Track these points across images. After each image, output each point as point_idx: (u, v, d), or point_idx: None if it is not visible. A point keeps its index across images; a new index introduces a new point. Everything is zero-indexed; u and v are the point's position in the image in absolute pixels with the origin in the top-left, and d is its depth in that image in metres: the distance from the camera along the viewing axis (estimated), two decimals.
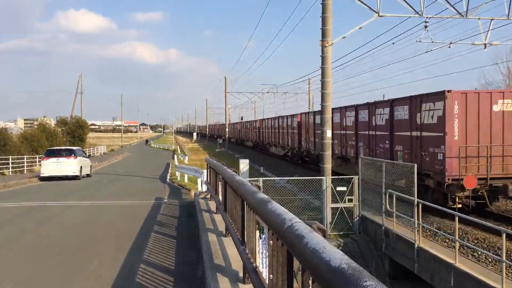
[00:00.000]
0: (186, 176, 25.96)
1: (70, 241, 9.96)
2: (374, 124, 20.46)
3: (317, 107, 60.13)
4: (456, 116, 15.01)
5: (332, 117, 23.62)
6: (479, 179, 14.76)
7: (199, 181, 21.65)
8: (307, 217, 15.96)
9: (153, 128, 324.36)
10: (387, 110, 19.22)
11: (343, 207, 15.94)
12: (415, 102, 16.79)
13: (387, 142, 19.14)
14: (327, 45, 16.74)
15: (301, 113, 35.58)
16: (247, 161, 21.52)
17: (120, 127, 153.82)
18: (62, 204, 16.27)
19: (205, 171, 17.75)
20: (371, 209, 15.49)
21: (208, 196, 14.05)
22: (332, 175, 16.83)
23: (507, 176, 15.13)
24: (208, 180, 14.10)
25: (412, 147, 16.88)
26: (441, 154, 15.11)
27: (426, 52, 19.34)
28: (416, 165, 12.75)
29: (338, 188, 16.09)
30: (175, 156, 44.22)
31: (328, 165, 16.99)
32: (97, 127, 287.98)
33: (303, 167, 32.33)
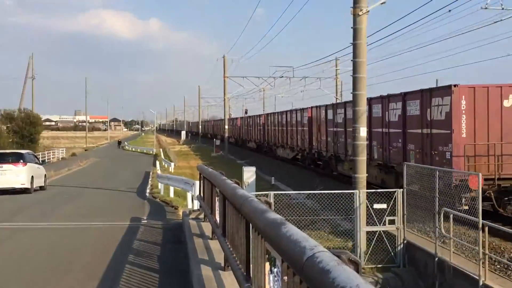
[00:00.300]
0: (171, 189, 26.13)
1: (14, 280, 9.94)
2: (387, 120, 23.49)
3: (347, 97, 60.68)
4: (463, 112, 18.04)
5: (334, 113, 32.24)
6: (487, 179, 17.28)
7: (189, 195, 21.75)
8: (333, 244, 15.96)
9: (128, 125, 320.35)
10: (399, 104, 22.27)
11: (382, 231, 15.92)
12: (425, 96, 19.49)
13: (400, 140, 22.27)
14: (360, 13, 16.76)
15: (311, 107, 37.95)
16: (253, 169, 21.76)
17: (84, 124, 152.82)
18: (6, 227, 16.38)
19: (197, 182, 17.61)
20: (420, 233, 15.45)
21: (201, 216, 14.11)
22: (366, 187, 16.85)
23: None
24: (202, 194, 14.11)
25: (423, 146, 19.95)
26: (449, 153, 18.09)
27: (495, 22, 19.34)
28: (480, 174, 12.87)
29: (376, 206, 16.09)
30: (157, 163, 44.44)
31: (362, 175, 17.00)
32: (53, 123, 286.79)
33: (318, 173, 35.56)
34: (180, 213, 18.59)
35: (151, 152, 73.97)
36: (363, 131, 17.22)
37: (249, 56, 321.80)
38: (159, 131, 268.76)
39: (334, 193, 16.24)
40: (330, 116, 33.15)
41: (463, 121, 18.26)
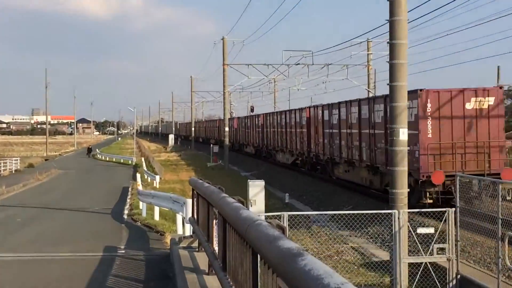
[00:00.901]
0: (156, 209, 26.07)
1: None
2: (373, 121, 29.81)
3: (382, 89, 60.11)
4: (429, 114, 24.81)
5: (323, 114, 38.55)
6: (449, 175, 23.56)
7: (179, 218, 21.60)
8: (366, 280, 15.93)
9: (100, 127, 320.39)
10: (382, 106, 28.41)
11: (429, 262, 15.86)
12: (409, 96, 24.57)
13: (382, 141, 28.13)
14: None
15: (309, 107, 44.15)
16: (261, 183, 21.45)
17: (44, 126, 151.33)
18: None
19: (189, 201, 17.58)
20: (478, 265, 15.39)
21: (195, 244, 14.10)
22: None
23: (481, 173, 24.21)
24: (195, 216, 14.11)
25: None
26: (417, 152, 24.76)
27: None
28: None
29: (421, 230, 16.05)
30: (138, 176, 43.24)
31: (402, 190, 16.99)
32: (4, 125, 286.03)
33: (325, 181, 39.31)
34: (168, 240, 18.58)
35: (130, 162, 73.45)
36: (403, 134, 17.23)
37: (256, 37, 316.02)
38: (140, 134, 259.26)
39: (367, 213, 16.27)
40: (326, 116, 38.37)
41: (429, 123, 24.97)
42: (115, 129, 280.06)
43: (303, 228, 18.86)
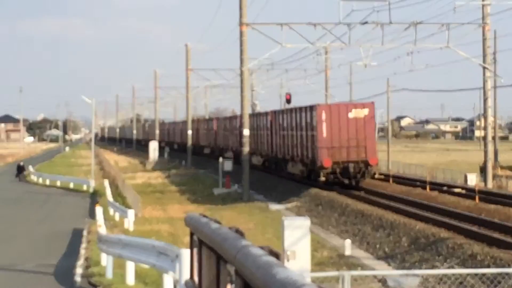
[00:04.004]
0: (130, 267, 17.66)
1: None
2: (294, 125, 44.48)
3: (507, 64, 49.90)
4: (324, 121, 38.82)
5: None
6: (337, 162, 38.50)
7: (167, 281, 15.09)
8: None
9: (35, 129, 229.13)
10: (304, 115, 42.62)
11: None
12: (308, 110, 41.46)
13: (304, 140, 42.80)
14: None
15: (273, 111, 53.60)
16: (303, 223, 15.29)
17: None
18: None
19: (185, 252, 12.53)
20: None
21: None
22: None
23: (353, 160, 38.82)
24: (196, 279, 8.48)
25: (311, 141, 40.52)
26: (317, 146, 39.06)
27: None
28: None
29: None
30: (99, 211, 24.06)
31: None
32: None
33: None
34: None
35: (85, 187, 53.08)
36: None
37: None
38: (102, 141, 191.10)
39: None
40: (280, 121, 49.17)
41: (324, 127, 39.22)
42: (60, 133, 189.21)
43: None
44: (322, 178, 38.86)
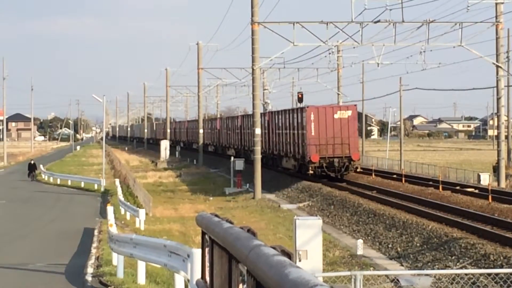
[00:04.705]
0: (141, 267, 17.67)
1: None
2: (288, 125, 49.63)
3: None
4: (312, 121, 44.06)
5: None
6: (323, 157, 43.39)
7: (179, 281, 14.87)
8: None
9: (47, 128, 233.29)
10: (295, 115, 47.86)
11: None
12: (299, 112, 47.16)
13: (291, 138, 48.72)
14: None
15: (270, 112, 59.37)
16: (315, 222, 15.41)
17: None
18: None
19: (196, 252, 12.51)
20: None
21: None
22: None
23: (338, 156, 43.71)
24: (207, 279, 8.57)
25: (302, 139, 45.49)
26: (306, 143, 44.29)
27: None
28: None
29: None
30: (110, 210, 25.25)
31: None
32: None
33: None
34: None
35: (96, 186, 52.93)
36: None
37: None
38: (113, 140, 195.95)
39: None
40: (276, 120, 54.50)
41: (312, 126, 44.11)
42: (71, 132, 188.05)
43: None
44: (311, 172, 43.79)
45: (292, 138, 47.80)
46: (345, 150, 43.71)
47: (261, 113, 52.50)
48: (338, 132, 43.67)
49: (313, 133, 43.76)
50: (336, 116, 44.08)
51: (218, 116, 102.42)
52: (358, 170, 46.56)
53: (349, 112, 44.61)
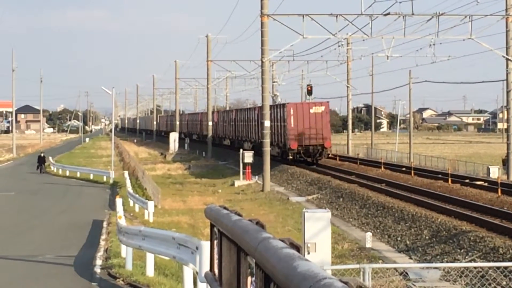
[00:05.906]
0: (150, 259, 17.66)
1: None
2: (273, 118, 53.83)
3: None
4: (292, 115, 52.96)
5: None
6: (301, 145, 52.47)
7: (187, 273, 14.69)
8: None
9: (56, 120, 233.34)
10: (278, 111, 56.87)
11: None
12: (282, 107, 56.66)
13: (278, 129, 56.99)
14: None
15: (258, 106, 64.09)
16: (324, 215, 15.17)
17: None
18: None
19: (205, 244, 12.43)
20: None
21: None
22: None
23: (313, 144, 52.74)
24: (216, 271, 8.35)
25: (284, 131, 54.49)
26: (287, 134, 53.43)
27: None
28: None
29: None
30: (119, 202, 24.08)
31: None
32: None
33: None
34: None
35: (105, 178, 52.67)
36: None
37: None
38: (122, 132, 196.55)
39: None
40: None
41: (292, 119, 52.08)
42: (80, 124, 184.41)
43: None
44: (290, 157, 52.36)
45: (276, 130, 55.54)
46: (319, 139, 51.86)
47: (252, 108, 64.06)
48: (313, 124, 51.91)
49: (292, 125, 51.85)
50: (311, 111, 52.40)
51: (228, 108, 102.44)
52: (329, 155, 55.48)
53: (323, 108, 53.00)
